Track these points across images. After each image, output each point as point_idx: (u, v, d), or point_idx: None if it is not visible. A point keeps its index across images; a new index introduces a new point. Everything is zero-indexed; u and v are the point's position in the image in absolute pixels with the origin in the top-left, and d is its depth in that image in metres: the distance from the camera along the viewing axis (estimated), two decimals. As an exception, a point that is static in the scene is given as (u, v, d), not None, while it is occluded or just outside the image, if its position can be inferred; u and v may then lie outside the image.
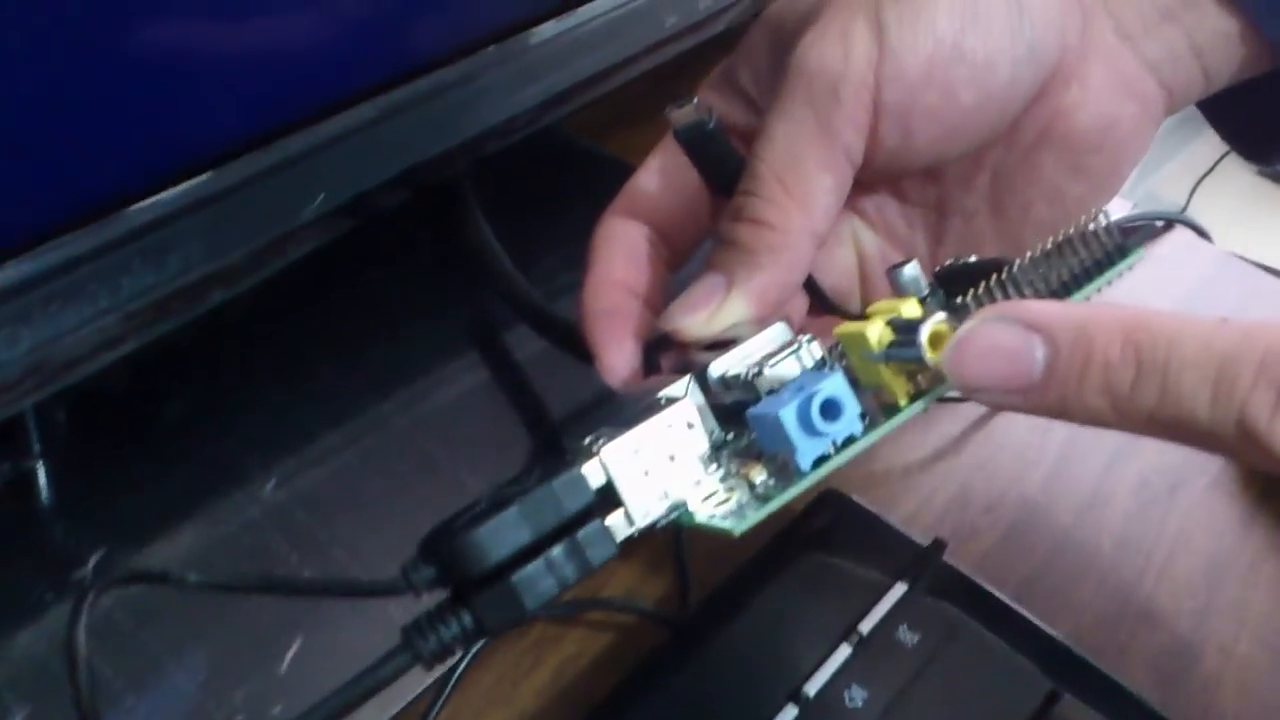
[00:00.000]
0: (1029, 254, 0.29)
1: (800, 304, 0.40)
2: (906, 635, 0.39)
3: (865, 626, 0.39)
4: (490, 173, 0.51)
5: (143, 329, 0.37)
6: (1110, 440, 0.54)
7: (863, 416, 0.27)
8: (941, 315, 0.27)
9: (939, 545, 0.43)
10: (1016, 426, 0.53)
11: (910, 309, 0.28)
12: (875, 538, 0.44)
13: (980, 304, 0.28)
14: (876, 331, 0.28)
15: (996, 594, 0.43)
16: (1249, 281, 0.66)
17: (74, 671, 0.27)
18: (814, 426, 0.26)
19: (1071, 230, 0.29)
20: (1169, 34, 0.37)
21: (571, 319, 0.41)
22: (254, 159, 0.38)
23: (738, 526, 0.27)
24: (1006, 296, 0.28)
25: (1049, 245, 0.29)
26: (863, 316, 0.40)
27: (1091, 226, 0.29)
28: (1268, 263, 0.68)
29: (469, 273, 0.50)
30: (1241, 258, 0.68)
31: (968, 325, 0.27)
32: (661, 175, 0.40)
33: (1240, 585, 0.49)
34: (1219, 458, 0.54)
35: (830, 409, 0.27)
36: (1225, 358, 0.24)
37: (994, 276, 0.28)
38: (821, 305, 0.40)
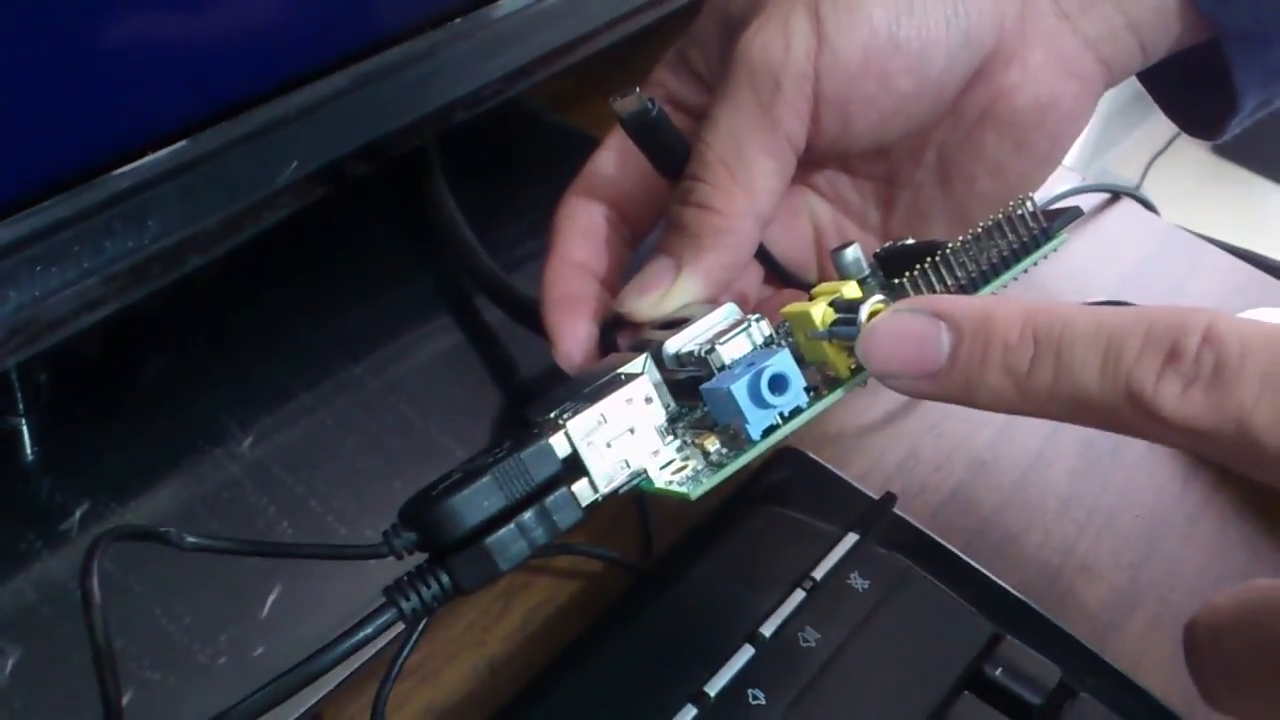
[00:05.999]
0: (960, 239, 0.31)
1: (755, 277, 0.42)
2: (857, 582, 0.41)
3: (818, 573, 0.41)
4: (457, 143, 0.53)
5: (123, 292, 0.39)
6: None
7: (808, 390, 0.30)
8: (880, 297, 0.29)
9: (890, 498, 0.44)
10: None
11: (851, 290, 0.31)
12: (829, 491, 0.46)
13: (915, 285, 0.30)
14: (820, 311, 0.30)
15: (943, 543, 0.45)
16: (1194, 253, 0.67)
17: (89, 611, 0.28)
18: (763, 399, 0.29)
19: (1000, 215, 0.31)
20: (1106, 11, 0.38)
21: (529, 294, 0.43)
22: (229, 127, 0.39)
23: (694, 490, 0.29)
24: (940, 278, 0.31)
25: (979, 230, 0.31)
26: (815, 286, 0.42)
27: (1019, 211, 0.31)
28: (1217, 238, 0.70)
29: (435, 242, 0.51)
30: (1186, 230, 0.69)
31: (880, 317, 0.29)
32: (618, 156, 0.41)
33: (1177, 540, 0.51)
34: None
35: (778, 383, 0.29)
36: (1114, 331, 0.25)
37: (927, 259, 0.30)
38: (778, 276, 0.42)
